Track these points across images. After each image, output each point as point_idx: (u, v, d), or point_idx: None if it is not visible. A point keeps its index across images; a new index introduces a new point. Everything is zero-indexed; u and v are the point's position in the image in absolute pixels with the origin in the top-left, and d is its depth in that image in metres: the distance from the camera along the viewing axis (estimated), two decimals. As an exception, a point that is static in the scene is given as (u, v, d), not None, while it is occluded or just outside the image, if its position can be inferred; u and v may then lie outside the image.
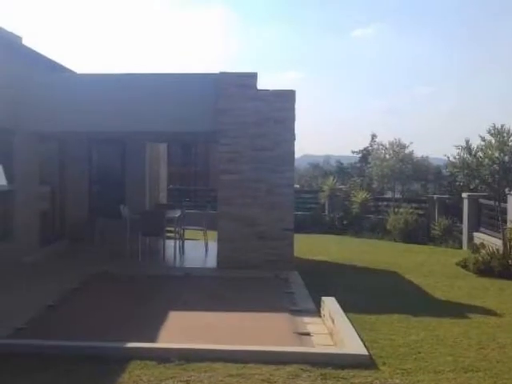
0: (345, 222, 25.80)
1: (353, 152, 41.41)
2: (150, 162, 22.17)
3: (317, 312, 10.37)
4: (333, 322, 9.12)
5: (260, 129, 14.49)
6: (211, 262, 15.48)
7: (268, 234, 14.51)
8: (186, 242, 17.81)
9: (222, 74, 14.60)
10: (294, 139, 14.57)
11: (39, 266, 14.78)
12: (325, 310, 9.87)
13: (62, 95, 15.02)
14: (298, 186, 33.31)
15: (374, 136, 39.02)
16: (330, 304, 9.82)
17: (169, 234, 16.84)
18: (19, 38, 14.44)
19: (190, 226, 18.16)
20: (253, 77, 14.59)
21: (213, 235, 16.42)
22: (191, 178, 56.52)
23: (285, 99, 14.49)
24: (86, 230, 18.90)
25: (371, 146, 38.59)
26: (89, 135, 18.72)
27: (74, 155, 19.07)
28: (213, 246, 16.42)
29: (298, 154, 15.44)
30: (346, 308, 9.80)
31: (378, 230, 24.29)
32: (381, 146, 28.60)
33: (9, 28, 14.32)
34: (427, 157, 29.72)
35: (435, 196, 25.33)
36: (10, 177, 14.58)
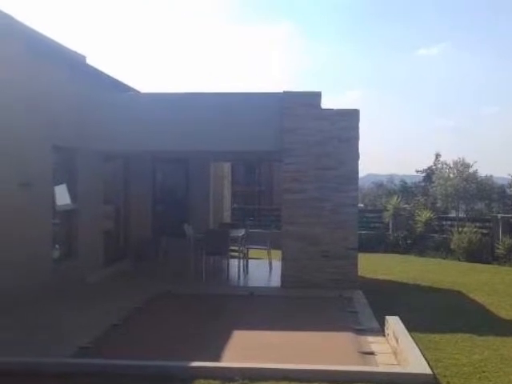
0: (409, 242, 25.50)
1: (417, 171, 41.09)
2: (214, 181, 22.28)
3: (381, 331, 10.27)
4: (397, 341, 9.01)
5: (324, 148, 14.44)
6: (275, 281, 15.43)
7: (332, 253, 14.42)
8: (250, 261, 17.79)
9: (287, 93, 14.61)
10: (358, 158, 14.49)
11: (103, 285, 14.91)
12: (389, 329, 9.75)
13: (126, 114, 15.15)
14: (362, 205, 33.12)
15: (438, 155, 38.66)
16: (393, 323, 9.69)
17: (233, 253, 16.85)
18: (83, 57, 14.59)
19: (254, 245, 18.13)
20: (317, 96, 14.56)
21: (277, 254, 16.36)
22: (255, 197, 56.70)
23: (349, 118, 14.43)
24: (150, 249, 19.01)
25: (435, 165, 38.22)
26: (153, 154, 18.87)
27: (138, 174, 19.16)
28: (277, 265, 16.38)
29: (361, 173, 15.34)
30: (410, 327, 9.69)
31: (442, 249, 23.95)
32: (445, 165, 28.29)
33: (73, 47, 14.45)
34: (491, 176, 29.33)
35: (499, 215, 24.84)
36: (74, 196, 14.66)
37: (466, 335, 10.27)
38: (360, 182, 16.08)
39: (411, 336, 9.20)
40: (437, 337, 10.12)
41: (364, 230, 24.88)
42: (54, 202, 13.69)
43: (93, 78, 15.37)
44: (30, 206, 12.29)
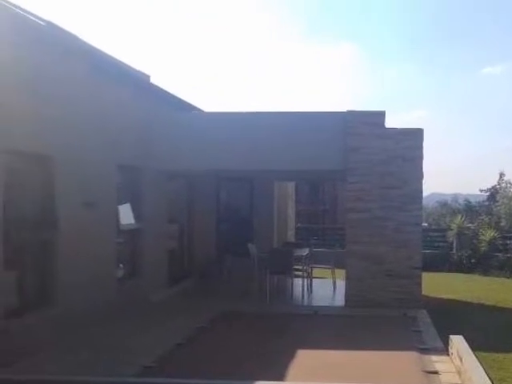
0: (473, 261, 25.22)
1: (481, 190, 40.70)
2: (278, 201, 22.33)
3: (445, 350, 10.19)
4: (461, 360, 8.93)
5: (388, 167, 14.42)
6: (339, 300, 15.40)
7: (396, 272, 14.36)
8: (314, 281, 17.78)
9: (350, 112, 14.65)
10: (422, 177, 14.43)
11: (167, 304, 14.99)
12: (453, 349, 9.68)
13: (190, 133, 15.28)
14: (425, 224, 32.80)
15: (502, 174, 38.30)
16: (458, 342, 9.61)
17: (297, 273, 16.86)
18: (147, 76, 14.75)
19: (318, 264, 18.12)
20: (381, 115, 14.57)
21: (341, 273, 16.34)
22: (319, 216, 56.62)
23: (413, 137, 14.40)
24: (214, 269, 19.09)
25: (499, 184, 37.82)
26: (217, 173, 19.02)
27: (202, 193, 19.30)
28: (341, 285, 16.36)
29: (425, 192, 15.27)
30: (474, 346, 9.57)
31: (507, 269, 23.64)
32: (509, 185, 27.95)
33: (137, 66, 14.61)
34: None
35: None
36: (138, 215, 14.71)
37: (531, 355, 10.14)
38: (424, 201, 16.00)
39: (475, 355, 9.11)
40: (501, 356, 10.05)
41: (428, 249, 24.67)
42: (118, 221, 13.76)
43: (157, 97, 15.48)
44: (95, 226, 12.27)
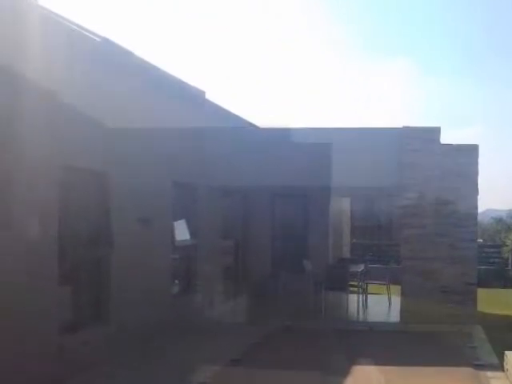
0: (528, 277, 24.77)
1: (540, 206, 40.01)
2: (334, 217, 22.28)
3: (500, 367, 10.14)
4: (516, 377, 8.89)
5: (443, 183, 14.39)
6: (394, 316, 15.35)
7: (451, 288, 14.29)
8: (370, 297, 17.73)
9: (406, 128, 14.67)
10: (478, 193, 14.37)
11: (222, 320, 14.98)
12: (508, 365, 9.62)
13: (245, 149, 15.48)
14: (481, 240, 32.43)
15: None
16: (514, 358, 9.56)
17: (352, 289, 16.87)
18: (203, 93, 14.83)
19: (373, 280, 18.09)
20: (436, 131, 14.57)
21: (396, 289, 16.29)
22: (374, 232, 56.17)
23: (468, 154, 14.35)
24: (270, 285, 19.08)
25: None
26: (272, 189, 19.10)
27: (257, 209, 19.41)
28: (396, 301, 16.28)
29: (480, 209, 15.15)
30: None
31: None
32: None
33: (193, 82, 14.67)
34: None
35: None
36: (193, 231, 14.80)
37: None
38: (479, 217, 15.87)
39: (531, 372, 9.06)
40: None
41: (483, 266, 24.36)
42: (173, 237, 13.88)
43: (211, 112, 15.56)
44: (150, 242, 12.34)
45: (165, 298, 13.20)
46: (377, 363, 10.87)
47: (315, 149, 15.15)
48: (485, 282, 22.06)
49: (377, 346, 12.48)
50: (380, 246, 36.49)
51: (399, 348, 12.19)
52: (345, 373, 10.04)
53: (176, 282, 14.35)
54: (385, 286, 17.76)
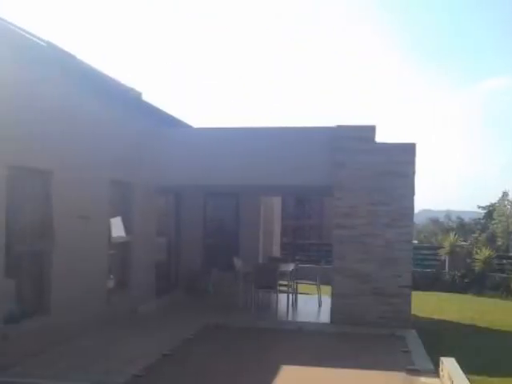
0: (466, 280, 24.84)
1: (479, 207, 40.57)
2: (264, 216, 22.21)
3: (435, 372, 9.98)
4: (452, 383, 8.71)
5: (378, 183, 14.22)
6: (325, 317, 15.18)
7: (384, 290, 14.14)
8: (299, 296, 17.67)
9: (340, 127, 14.46)
10: (414, 194, 14.22)
11: (154, 316, 15.06)
12: (444, 371, 9.45)
13: (180, 149, 15.41)
14: (416, 241, 32.64)
15: (505, 193, 38.08)
16: (449, 364, 9.38)
17: (282, 288, 16.72)
18: (139, 94, 14.74)
19: (303, 280, 18.00)
20: (371, 130, 14.38)
21: (326, 290, 16.15)
22: (305, 232, 56.57)
23: (405, 152, 14.17)
24: (200, 282, 19.07)
25: (500, 202, 37.69)
26: (204, 188, 18.93)
27: (189, 208, 19.35)
28: (326, 301, 16.18)
29: (416, 209, 15.05)
30: (466, 369, 9.32)
31: (502, 289, 23.37)
32: (507, 202, 27.79)
33: (129, 83, 14.61)
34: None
35: None
36: (128, 228, 14.81)
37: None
38: (415, 218, 15.78)
39: (467, 378, 8.89)
40: (494, 380, 9.88)
41: (418, 268, 24.44)
42: (110, 234, 13.86)
43: (148, 114, 15.56)
44: (89, 238, 12.55)
45: (100, 293, 13.35)
46: (305, 364, 10.71)
47: (248, 148, 15.06)
48: (420, 284, 22.18)
49: (306, 346, 12.27)
50: (311, 245, 36.65)
51: (329, 350, 11.98)
52: (273, 372, 9.88)
53: (111, 277, 14.19)
54: (315, 286, 17.62)
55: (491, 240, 29.41)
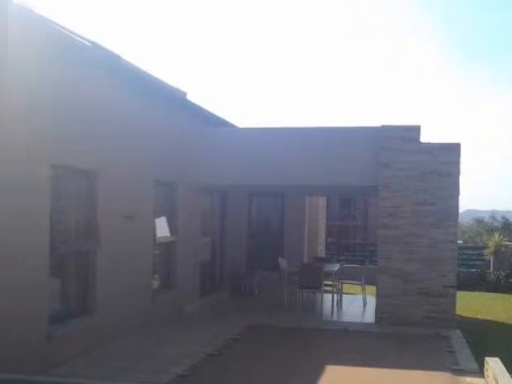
0: (511, 280, 24.62)
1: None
2: (309, 216, 22.23)
3: (479, 372, 9.93)
4: (497, 383, 8.67)
5: (422, 183, 14.16)
6: (369, 317, 15.20)
7: (429, 290, 14.08)
8: (344, 296, 17.67)
9: (384, 127, 14.43)
10: (459, 194, 14.16)
11: (199, 315, 15.19)
12: (488, 371, 9.40)
13: (225, 149, 15.37)
14: (461, 241, 32.32)
15: None
16: (494, 365, 9.32)
17: (326, 288, 16.73)
18: (184, 94, 14.79)
19: (348, 280, 17.99)
20: (416, 130, 14.33)
21: (371, 290, 16.15)
22: (350, 232, 56.40)
23: (450, 152, 14.11)
24: (245, 281, 19.11)
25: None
26: (249, 188, 18.98)
27: (234, 208, 19.36)
28: (371, 301, 16.18)
29: (461, 209, 14.95)
30: (511, 369, 9.29)
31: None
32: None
33: (174, 83, 14.64)
34: None
35: None
36: (173, 228, 14.84)
37: None
38: (459, 218, 15.68)
39: (513, 378, 8.84)
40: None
41: (463, 268, 24.24)
42: (154, 234, 13.89)
43: (193, 114, 15.60)
44: (134, 238, 12.57)
45: (146, 292, 13.38)
46: (351, 364, 10.69)
47: (293, 148, 14.98)
48: (465, 284, 22.00)
49: (351, 346, 12.29)
50: (355, 245, 36.56)
51: (374, 350, 11.96)
52: (318, 373, 9.88)
53: (156, 277, 14.29)
54: (360, 286, 17.61)
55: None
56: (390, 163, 14.33)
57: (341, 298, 17.28)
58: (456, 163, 14.08)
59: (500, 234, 27.27)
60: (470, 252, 29.23)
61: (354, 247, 34.95)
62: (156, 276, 14.24)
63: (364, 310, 16.71)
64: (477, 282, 24.69)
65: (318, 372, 9.92)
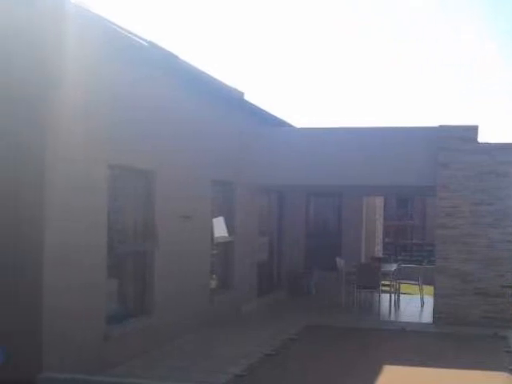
0: None
1: None
2: (367, 216, 22.23)
3: (538, 373, 9.89)
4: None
5: (481, 183, 14.11)
6: (427, 317, 15.19)
7: (487, 290, 14.03)
8: (402, 296, 17.61)
9: (442, 127, 14.41)
10: (518, 193, 14.07)
11: (257, 315, 15.27)
12: (547, 372, 9.40)
13: (282, 149, 15.42)
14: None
15: None
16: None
17: (384, 288, 16.74)
18: (241, 94, 14.83)
19: (406, 280, 17.95)
20: (473, 130, 14.29)
21: (429, 290, 16.12)
22: (407, 232, 55.99)
23: (508, 152, 14.04)
24: (302, 282, 19.16)
25: None
26: (307, 188, 19.05)
27: (291, 208, 19.39)
28: (428, 301, 16.15)
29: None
30: None
31: None
32: None
33: (231, 83, 14.71)
34: None
35: None
36: (231, 228, 14.92)
37: None
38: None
39: None
40: None
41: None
42: (212, 234, 13.95)
43: (250, 114, 15.68)
44: (191, 238, 12.56)
45: (204, 292, 13.41)
46: (409, 364, 10.72)
47: (350, 148, 15.02)
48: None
49: (409, 346, 12.33)
50: (413, 245, 36.36)
51: (432, 350, 11.98)
52: (376, 373, 9.91)
53: (214, 276, 14.38)
54: (417, 286, 17.58)
55: None
56: (449, 163, 14.30)
57: (398, 298, 17.23)
58: (512, 163, 14.02)
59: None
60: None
61: (412, 247, 34.81)
62: (214, 276, 14.31)
63: (421, 310, 16.68)
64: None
65: (376, 372, 9.95)
